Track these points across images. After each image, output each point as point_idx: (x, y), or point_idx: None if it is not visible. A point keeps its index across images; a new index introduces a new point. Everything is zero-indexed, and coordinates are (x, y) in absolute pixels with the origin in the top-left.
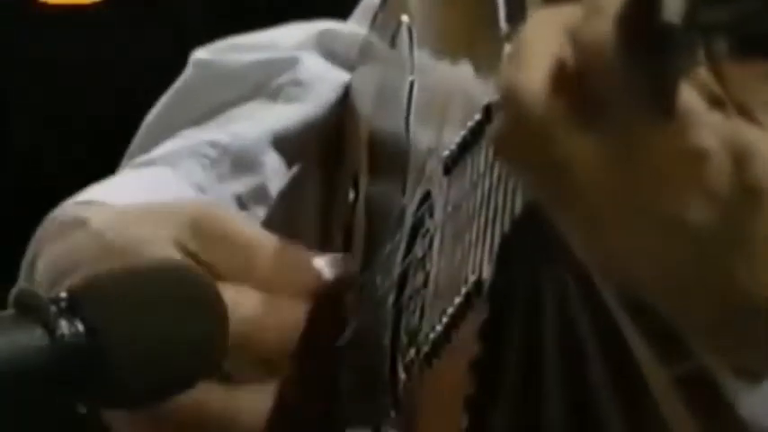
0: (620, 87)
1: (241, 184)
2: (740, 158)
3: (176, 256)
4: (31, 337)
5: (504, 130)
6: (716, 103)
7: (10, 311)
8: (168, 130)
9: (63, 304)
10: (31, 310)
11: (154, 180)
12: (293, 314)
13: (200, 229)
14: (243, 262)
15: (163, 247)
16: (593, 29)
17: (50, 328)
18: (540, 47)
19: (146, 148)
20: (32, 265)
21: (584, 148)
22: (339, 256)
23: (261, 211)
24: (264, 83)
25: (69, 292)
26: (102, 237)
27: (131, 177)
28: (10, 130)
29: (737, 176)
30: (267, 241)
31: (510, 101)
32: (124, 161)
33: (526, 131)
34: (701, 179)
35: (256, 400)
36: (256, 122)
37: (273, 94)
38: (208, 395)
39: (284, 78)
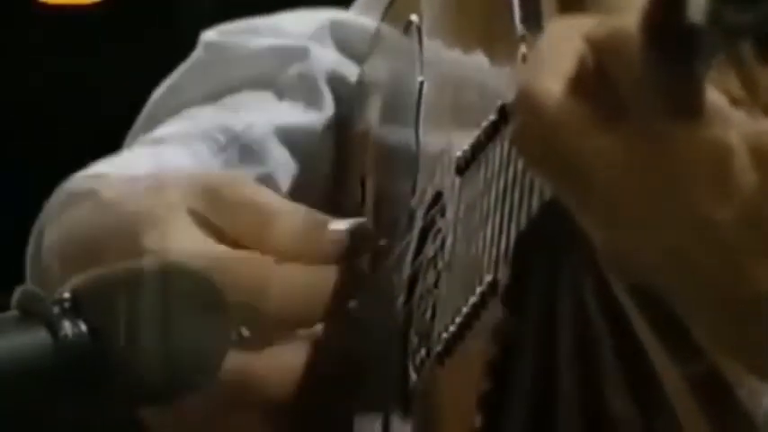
0: (643, 86)
1: (248, 172)
2: (763, 157)
3: (189, 223)
4: (35, 338)
5: (522, 132)
6: (736, 104)
7: (13, 312)
8: (175, 108)
9: (66, 305)
10: (34, 311)
11: (166, 157)
12: (313, 278)
13: (214, 194)
14: (258, 227)
15: (176, 215)
16: (614, 29)
17: (54, 329)
18: (557, 50)
19: (151, 127)
20: (40, 235)
21: (604, 148)
22: (357, 220)
23: None
24: (274, 72)
25: (72, 292)
26: (114, 207)
27: (141, 153)
28: (10, 130)
29: (759, 174)
30: (283, 206)
31: (527, 102)
32: (128, 139)
33: (544, 132)
34: (722, 176)
35: (292, 355)
36: (265, 116)
37: (281, 90)
38: (248, 358)
39: (294, 70)
